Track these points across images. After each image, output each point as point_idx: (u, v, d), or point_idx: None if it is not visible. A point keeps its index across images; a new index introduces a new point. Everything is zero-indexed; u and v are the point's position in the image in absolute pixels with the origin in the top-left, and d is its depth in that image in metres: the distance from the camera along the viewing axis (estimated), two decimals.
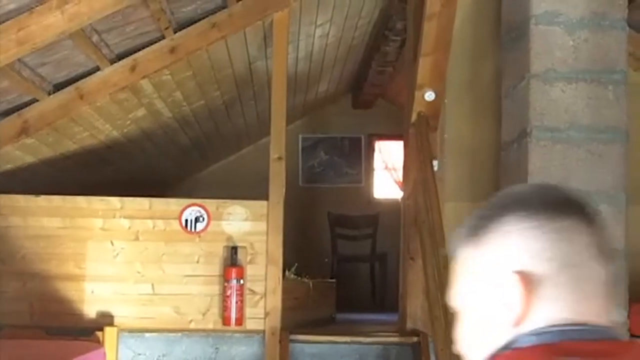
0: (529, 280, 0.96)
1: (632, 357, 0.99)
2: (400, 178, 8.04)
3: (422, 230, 4.42)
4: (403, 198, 5.18)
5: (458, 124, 4.63)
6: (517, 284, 0.96)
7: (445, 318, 3.89)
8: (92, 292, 4.65)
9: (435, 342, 4.08)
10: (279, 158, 4.78)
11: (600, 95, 3.81)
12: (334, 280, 6.30)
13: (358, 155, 8.48)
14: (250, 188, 4.99)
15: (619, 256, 3.78)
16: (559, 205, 1.04)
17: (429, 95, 4.53)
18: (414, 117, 4.62)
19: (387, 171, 8.44)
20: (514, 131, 4.02)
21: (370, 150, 8.51)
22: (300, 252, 6.19)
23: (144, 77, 4.86)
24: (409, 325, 4.77)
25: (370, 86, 7.67)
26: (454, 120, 4.63)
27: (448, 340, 3.86)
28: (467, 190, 4.57)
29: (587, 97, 3.81)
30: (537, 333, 0.96)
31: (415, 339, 4.62)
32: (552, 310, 0.97)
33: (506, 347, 0.98)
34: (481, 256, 1.01)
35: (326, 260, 7.63)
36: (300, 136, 8.40)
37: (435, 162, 4.46)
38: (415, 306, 4.77)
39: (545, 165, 3.80)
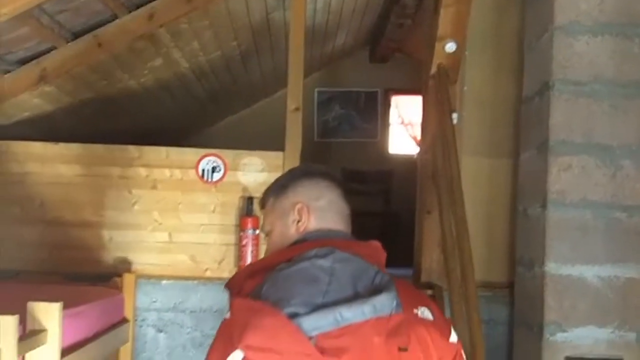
0: (308, 208, 1.84)
1: (359, 247, 1.80)
2: (416, 133, 8.04)
3: (439, 184, 4.40)
4: (420, 151, 5.16)
5: (478, 77, 4.59)
6: (304, 209, 1.83)
7: (461, 271, 3.90)
8: (110, 239, 4.67)
9: (450, 294, 4.09)
10: (296, 109, 4.75)
11: (625, 49, 3.77)
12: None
13: (374, 110, 8.45)
14: (265, 141, 4.97)
15: (639, 212, 3.77)
16: (323, 174, 1.91)
17: (450, 47, 4.48)
18: (433, 69, 4.58)
19: (402, 126, 8.41)
20: (536, 84, 3.99)
21: (387, 105, 8.47)
22: None
23: (161, 26, 4.83)
24: (424, 278, 4.78)
25: (388, 40, 7.61)
26: (474, 72, 4.59)
27: (463, 293, 3.87)
28: (486, 145, 4.55)
29: (612, 50, 3.77)
30: (311, 232, 1.83)
31: (429, 291, 4.63)
32: (319, 223, 1.84)
33: (297, 242, 1.82)
34: (285, 199, 1.86)
35: None
36: (315, 90, 8.37)
37: (454, 115, 4.43)
38: (430, 260, 4.78)
39: (567, 119, 3.77)
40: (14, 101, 4.70)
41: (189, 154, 4.80)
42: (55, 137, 4.84)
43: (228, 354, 1.59)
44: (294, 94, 4.80)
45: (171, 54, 5.53)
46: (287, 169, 4.67)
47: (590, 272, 3.78)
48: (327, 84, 8.51)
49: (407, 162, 7.93)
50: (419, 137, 7.84)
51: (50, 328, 2.61)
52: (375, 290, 1.66)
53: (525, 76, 4.24)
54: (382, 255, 1.86)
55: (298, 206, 1.82)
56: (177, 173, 4.75)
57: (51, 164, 4.75)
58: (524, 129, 4.23)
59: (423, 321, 1.73)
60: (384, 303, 1.64)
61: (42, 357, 2.57)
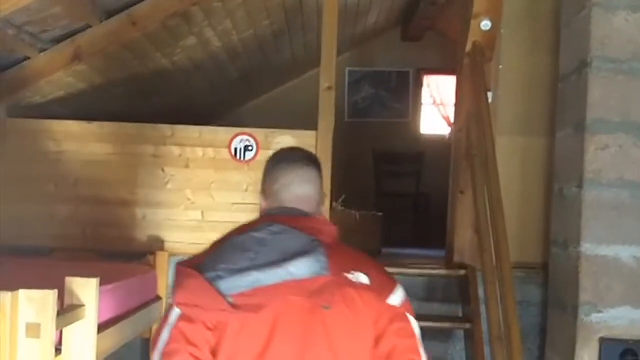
0: (265, 192, 2.17)
1: (301, 221, 2.02)
2: (449, 114, 7.99)
3: (473, 164, 4.37)
4: (454, 130, 5.12)
5: (514, 55, 4.53)
6: (264, 193, 2.18)
7: (496, 252, 3.87)
8: (144, 217, 4.70)
9: (484, 274, 4.06)
10: (329, 88, 4.73)
11: None
12: (381, 213, 6.28)
13: (406, 90, 8.39)
14: (296, 120, 4.96)
15: None
16: (287, 160, 2.18)
17: (485, 25, 4.44)
18: (468, 47, 4.53)
19: (435, 106, 8.35)
20: (573, 62, 3.93)
21: (419, 84, 8.40)
22: (345, 187, 6.18)
23: (195, 4, 4.82)
24: (456, 259, 4.77)
25: (421, 18, 7.54)
26: (510, 50, 4.53)
27: (497, 274, 3.85)
28: (522, 124, 4.50)
29: None
30: (266, 210, 2.14)
31: (462, 272, 4.62)
32: (273, 203, 2.13)
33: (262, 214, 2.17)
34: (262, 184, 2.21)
35: (371, 196, 7.62)
36: (347, 69, 8.32)
37: (489, 94, 4.39)
38: (463, 240, 4.76)
39: (605, 98, 3.71)
40: (49, 80, 4.73)
41: (221, 133, 4.81)
42: (88, 116, 4.88)
43: (171, 311, 1.99)
44: (327, 73, 4.79)
45: (204, 33, 5.53)
46: (320, 148, 4.69)
47: (627, 253, 3.73)
48: (358, 64, 8.46)
49: (439, 143, 7.88)
50: (451, 118, 7.82)
51: (87, 303, 2.64)
52: (297, 256, 1.92)
53: (562, 54, 4.18)
54: (326, 228, 2.08)
55: (260, 191, 2.22)
56: (210, 152, 4.76)
57: (86, 142, 4.79)
58: (561, 108, 4.17)
59: (354, 284, 2.01)
60: (304, 267, 1.91)
61: (80, 332, 2.60)
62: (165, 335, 1.97)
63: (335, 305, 1.96)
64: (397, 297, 2.10)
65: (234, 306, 1.87)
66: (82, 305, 2.59)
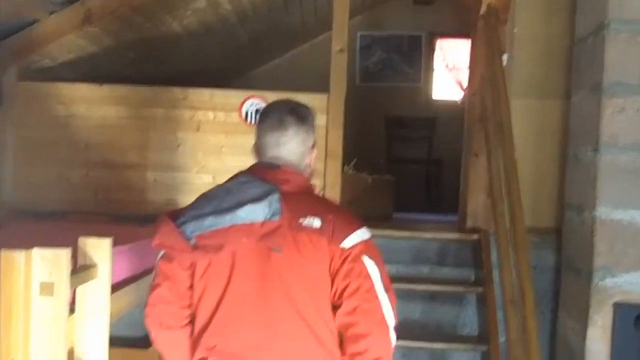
0: (253, 147, 2.39)
1: (268, 173, 2.23)
2: (461, 78, 7.92)
3: (487, 127, 4.34)
4: (468, 94, 5.07)
5: (529, 17, 4.45)
6: (253, 148, 2.39)
7: (510, 215, 3.85)
8: (155, 180, 4.69)
9: (498, 238, 4.05)
10: (341, 50, 4.69)
11: None
12: (392, 178, 6.25)
13: (417, 54, 8.30)
14: (308, 84, 4.91)
15: None
16: (268, 116, 2.37)
17: None
18: (483, 9, 4.47)
19: (447, 71, 8.27)
20: (590, 24, 3.87)
21: (431, 49, 8.32)
22: (356, 152, 6.15)
23: None
24: (469, 223, 4.74)
25: None
26: (525, 13, 4.46)
27: (511, 237, 3.83)
28: (537, 87, 4.44)
29: None
30: (258, 164, 2.33)
31: (475, 236, 4.60)
32: (256, 158, 2.36)
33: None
34: None
35: (381, 161, 7.58)
36: (358, 34, 8.24)
37: (504, 57, 4.33)
38: (476, 204, 4.73)
39: (622, 60, 3.66)
40: (59, 42, 4.70)
41: (232, 96, 4.78)
42: (99, 79, 4.85)
43: (157, 252, 2.33)
44: (339, 35, 4.74)
45: None
46: (331, 110, 4.66)
47: None
48: (369, 28, 8.37)
49: (451, 108, 7.83)
50: (463, 82, 7.76)
51: (100, 263, 2.62)
52: (249, 202, 2.15)
53: (578, 16, 4.12)
54: (292, 177, 2.27)
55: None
56: (221, 115, 4.74)
57: (96, 105, 4.77)
58: (577, 70, 4.12)
59: (305, 228, 2.17)
60: (253, 212, 2.15)
61: (93, 291, 2.59)
62: (154, 271, 2.36)
63: (286, 248, 2.17)
64: (352, 240, 2.19)
65: (195, 247, 2.16)
66: (95, 265, 2.58)
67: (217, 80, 6.90)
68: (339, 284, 2.18)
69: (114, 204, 4.68)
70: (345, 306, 2.19)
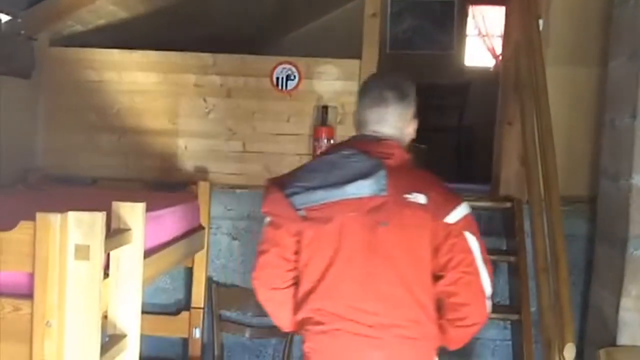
0: (356, 118, 2.51)
1: (372, 146, 2.37)
2: (494, 45, 7.81)
3: (522, 94, 4.27)
4: (503, 60, 4.99)
5: None
6: (354, 120, 2.54)
7: (544, 184, 3.80)
8: (185, 147, 4.69)
9: (531, 206, 4.01)
10: (373, 15, 4.63)
11: None
12: (424, 146, 6.19)
13: (450, 21, 8.18)
14: (340, 51, 4.86)
15: None
16: (372, 90, 2.49)
17: None
18: None
19: (480, 38, 8.16)
20: None
21: (463, 15, 8.20)
22: None
23: None
24: (502, 191, 4.69)
25: None
26: None
27: (545, 206, 3.78)
28: (573, 53, 4.36)
29: None
30: (360, 136, 2.47)
31: (508, 204, 4.55)
32: (357, 131, 2.50)
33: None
34: None
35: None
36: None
37: (540, 22, 4.25)
38: (509, 172, 4.67)
39: None
40: (91, 7, 4.67)
41: (263, 61, 4.74)
42: (130, 45, 4.83)
43: (265, 218, 2.51)
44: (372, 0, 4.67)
45: None
46: (363, 77, 4.59)
47: None
48: None
49: (483, 75, 7.73)
50: (496, 49, 7.65)
51: (134, 227, 2.63)
52: (358, 178, 2.31)
53: None
54: (396, 151, 2.43)
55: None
56: (252, 81, 4.71)
57: (127, 71, 4.76)
58: (615, 36, 4.04)
59: (411, 204, 2.36)
60: (363, 187, 2.30)
61: (127, 256, 2.60)
62: (261, 236, 2.55)
63: (391, 222, 2.36)
64: (454, 216, 2.39)
65: (304, 218, 2.36)
66: (129, 229, 2.58)
67: (248, 46, 6.86)
68: (442, 257, 2.39)
69: (144, 170, 4.68)
70: (448, 278, 2.40)
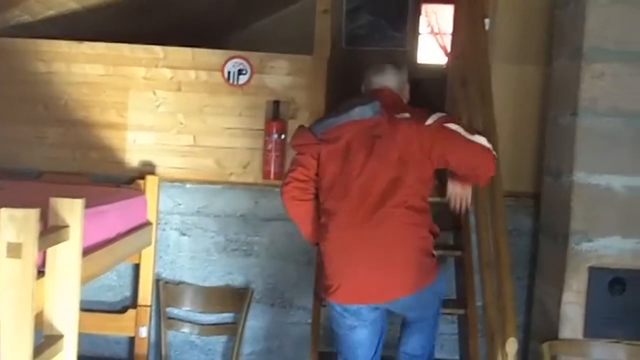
0: (364, 88, 3.51)
1: (375, 93, 3.38)
2: (446, 43, 7.86)
3: (469, 91, 4.31)
4: (452, 58, 5.04)
5: None
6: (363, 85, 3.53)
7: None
8: (134, 141, 4.65)
9: (476, 201, 4.03)
10: (325, 11, 4.63)
11: None
12: None
13: (404, 19, 8.22)
14: (293, 47, 4.86)
15: None
16: (373, 67, 3.49)
17: None
18: None
19: (432, 35, 8.21)
20: None
21: (417, 13, 8.24)
22: None
23: None
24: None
25: None
26: None
27: (490, 202, 3.82)
28: (518, 52, 4.41)
29: None
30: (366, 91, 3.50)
31: None
32: (366, 88, 3.52)
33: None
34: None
35: None
36: None
37: (486, 21, 4.29)
38: None
39: (601, 25, 3.66)
40: None
41: (215, 55, 4.72)
42: (80, 37, 4.78)
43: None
44: None
45: None
46: (314, 72, 4.62)
47: (618, 182, 3.72)
48: None
49: (436, 72, 7.77)
50: (448, 47, 7.70)
51: (72, 224, 2.59)
52: (359, 105, 3.22)
53: None
54: (389, 93, 3.37)
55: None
56: (203, 75, 4.69)
57: (76, 63, 4.71)
58: (558, 35, 4.10)
59: (400, 120, 3.17)
60: (363, 111, 3.20)
61: (64, 253, 2.56)
62: (289, 164, 3.44)
63: (385, 136, 3.15)
64: (431, 119, 3.16)
65: (321, 140, 3.24)
66: (66, 226, 2.55)
67: (202, 39, 6.83)
68: (437, 150, 3.12)
69: (92, 164, 4.63)
70: (451, 160, 3.17)
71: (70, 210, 2.60)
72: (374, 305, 3.24)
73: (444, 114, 3.19)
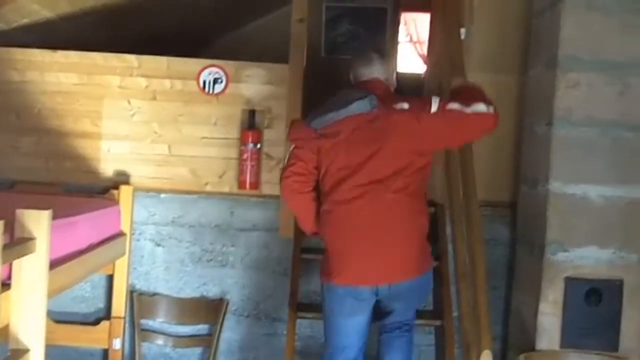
0: (352, 76, 3.56)
1: (366, 84, 3.45)
2: (425, 52, 7.85)
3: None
4: (428, 66, 5.02)
5: None
6: (350, 75, 3.60)
7: (464, 188, 3.83)
8: (108, 150, 4.61)
9: (451, 211, 4.05)
10: (301, 20, 4.61)
11: None
12: None
13: (383, 27, 8.22)
14: (271, 55, 4.84)
15: None
16: (362, 57, 3.56)
17: None
18: None
19: (411, 44, 8.22)
20: None
21: (396, 22, 8.24)
22: None
23: None
24: (427, 196, 4.70)
25: None
26: None
27: (465, 211, 3.81)
28: (494, 61, 4.39)
29: None
30: (355, 83, 3.55)
31: (432, 209, 4.56)
32: (356, 81, 3.53)
33: None
34: None
35: None
36: (324, 5, 8.14)
37: (462, 30, 4.28)
38: (433, 178, 4.67)
39: (576, 35, 3.66)
40: (13, 6, 4.56)
41: (190, 64, 4.69)
42: (54, 45, 4.73)
43: (290, 146, 3.46)
44: (299, 5, 4.66)
45: None
46: (291, 81, 4.59)
47: (594, 192, 3.72)
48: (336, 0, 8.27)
49: (414, 81, 7.76)
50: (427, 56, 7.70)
51: (39, 237, 2.55)
52: (356, 100, 3.27)
53: None
54: (380, 85, 3.43)
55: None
56: (178, 84, 4.65)
57: (50, 72, 4.67)
58: (534, 44, 4.10)
59: (398, 110, 3.28)
60: (360, 105, 3.26)
61: (30, 266, 2.51)
62: (287, 158, 3.46)
63: (385, 127, 3.25)
64: (435, 105, 3.25)
65: (321, 135, 3.31)
66: (33, 239, 2.51)
67: (178, 48, 6.79)
68: (443, 137, 3.35)
69: (65, 173, 4.58)
70: (457, 140, 3.49)
71: (37, 222, 2.56)
72: (375, 290, 3.34)
73: (439, 97, 3.34)
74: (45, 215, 2.58)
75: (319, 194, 3.44)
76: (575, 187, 3.71)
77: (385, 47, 3.99)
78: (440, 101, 3.26)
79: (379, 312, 3.52)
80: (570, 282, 3.75)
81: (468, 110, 3.21)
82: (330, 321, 3.50)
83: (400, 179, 3.27)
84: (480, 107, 3.22)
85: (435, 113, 3.22)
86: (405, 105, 3.27)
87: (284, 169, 3.44)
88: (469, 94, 3.31)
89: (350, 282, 3.34)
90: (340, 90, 3.43)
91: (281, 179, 3.44)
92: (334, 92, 7.74)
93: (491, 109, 3.24)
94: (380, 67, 3.47)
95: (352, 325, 3.45)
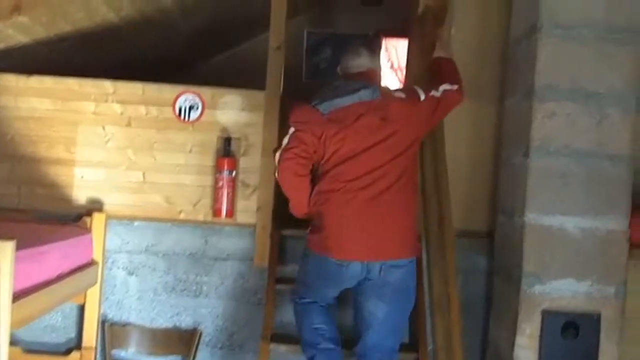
0: (341, 69, 3.76)
1: (363, 76, 3.65)
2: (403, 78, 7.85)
3: None
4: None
5: (466, 19, 4.36)
6: (340, 68, 3.79)
7: (439, 217, 3.79)
8: (82, 177, 4.55)
9: (427, 240, 4.00)
10: (278, 47, 4.59)
11: None
12: None
13: None
14: (248, 82, 4.80)
15: (624, 162, 3.65)
16: (352, 51, 3.75)
17: None
18: (420, 9, 4.40)
19: (392, 70, 8.21)
20: (524, 26, 3.84)
21: (377, 49, 8.24)
22: None
23: None
24: None
25: None
26: (462, 14, 4.37)
27: (440, 240, 3.77)
28: (471, 90, 4.36)
29: None
30: (345, 75, 3.73)
31: None
32: (346, 73, 3.71)
33: None
34: None
35: None
36: (305, 31, 8.14)
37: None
38: None
39: (553, 64, 3.65)
40: None
41: (165, 90, 4.65)
42: (30, 70, 4.68)
43: (290, 129, 3.50)
44: (276, 33, 4.65)
45: None
46: (268, 108, 4.56)
47: (571, 223, 3.68)
48: (317, 26, 8.28)
49: None
50: None
51: (2, 268, 2.50)
52: (363, 88, 3.46)
53: (513, 17, 4.08)
54: (374, 79, 3.65)
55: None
56: (153, 110, 4.61)
57: (23, 97, 4.62)
58: (511, 74, 4.08)
59: (397, 98, 3.52)
60: (366, 93, 3.45)
61: None
62: (285, 140, 3.49)
63: (390, 117, 3.44)
64: (422, 94, 3.54)
65: (328, 119, 3.42)
66: None
67: (155, 73, 6.75)
68: (434, 121, 3.64)
69: (37, 201, 4.51)
70: (438, 120, 3.70)
71: (1, 252, 2.50)
72: (366, 266, 3.43)
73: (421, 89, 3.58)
74: (8, 246, 2.53)
75: (314, 176, 3.55)
76: (552, 218, 3.68)
77: (372, 47, 3.89)
78: (424, 90, 3.55)
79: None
80: (547, 315, 3.70)
81: (437, 94, 3.54)
82: (311, 283, 3.65)
83: (401, 163, 3.44)
84: (445, 86, 3.58)
85: (424, 100, 3.50)
86: (403, 94, 3.53)
87: (283, 150, 3.47)
88: (442, 75, 3.70)
89: (346, 257, 3.44)
90: (336, 81, 3.61)
91: (280, 161, 3.47)
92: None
93: (455, 87, 3.60)
94: (369, 60, 3.66)
95: (332, 293, 3.66)
